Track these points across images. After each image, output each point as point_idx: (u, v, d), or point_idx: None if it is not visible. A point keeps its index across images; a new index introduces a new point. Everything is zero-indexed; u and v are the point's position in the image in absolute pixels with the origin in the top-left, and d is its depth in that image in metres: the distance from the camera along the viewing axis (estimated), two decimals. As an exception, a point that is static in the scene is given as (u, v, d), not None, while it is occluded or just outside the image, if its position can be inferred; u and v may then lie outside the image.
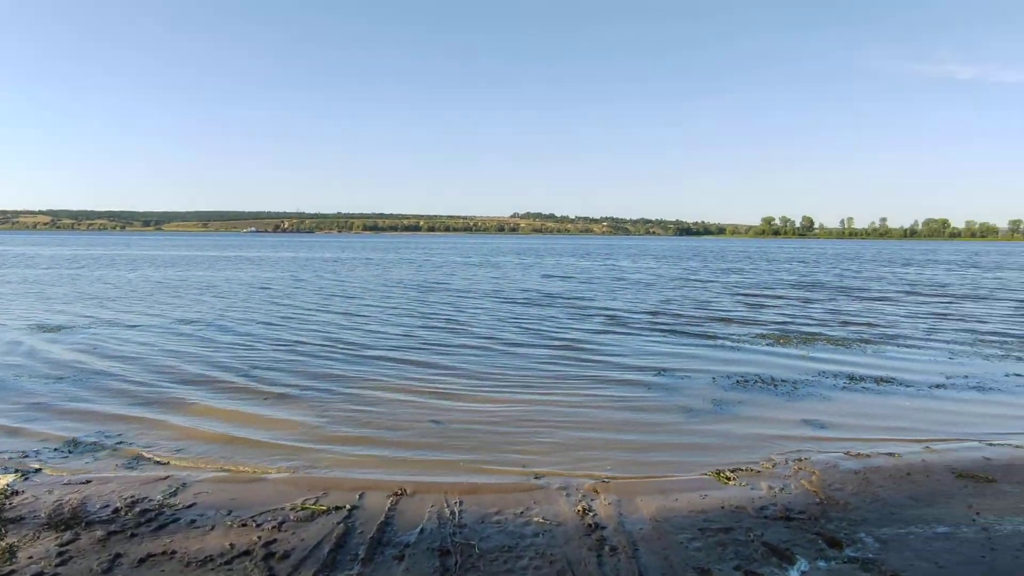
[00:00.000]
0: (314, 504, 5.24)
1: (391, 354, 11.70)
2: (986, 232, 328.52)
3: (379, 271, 37.40)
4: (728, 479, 5.82)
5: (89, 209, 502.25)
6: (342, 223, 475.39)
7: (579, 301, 21.29)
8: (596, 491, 5.61)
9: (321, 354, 11.68)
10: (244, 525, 4.86)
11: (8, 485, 5.60)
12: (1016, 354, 12.31)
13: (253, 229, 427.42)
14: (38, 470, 6.01)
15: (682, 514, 5.13)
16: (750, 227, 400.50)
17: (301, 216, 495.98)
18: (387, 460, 6.43)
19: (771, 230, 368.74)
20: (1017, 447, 6.90)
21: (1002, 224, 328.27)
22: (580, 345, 12.75)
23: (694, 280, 32.26)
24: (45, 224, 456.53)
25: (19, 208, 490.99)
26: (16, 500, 5.29)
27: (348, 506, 5.22)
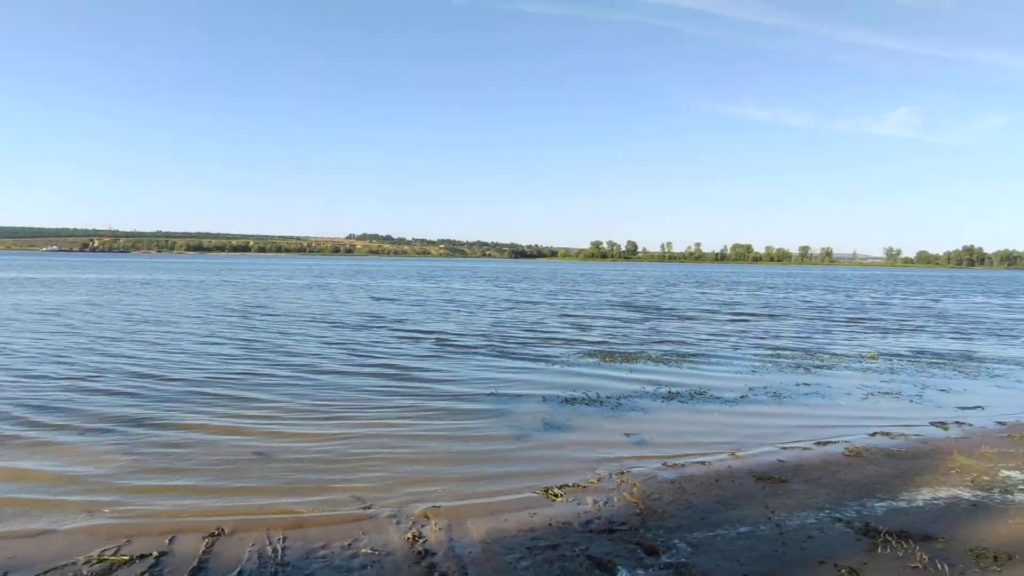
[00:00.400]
0: (114, 555, 4.71)
1: (208, 385, 10.89)
2: (781, 257, 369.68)
3: (199, 294, 34.82)
4: (556, 496, 5.99)
5: None
6: (162, 242, 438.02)
7: (409, 324, 21.12)
8: (427, 517, 5.54)
9: (127, 388, 10.61)
10: (24, 587, 4.27)
11: None
12: (804, 365, 13.88)
13: (54, 248, 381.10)
14: None
15: (511, 534, 5.19)
16: (580, 250, 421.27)
17: (114, 234, 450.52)
18: (203, 499, 5.94)
19: (599, 253, 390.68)
20: (805, 449, 7.74)
21: (794, 250, 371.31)
22: (410, 370, 12.63)
23: (524, 302, 33.24)
24: None
25: None
26: None
27: (155, 553, 4.75)
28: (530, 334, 19.06)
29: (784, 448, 7.78)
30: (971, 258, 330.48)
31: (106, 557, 4.68)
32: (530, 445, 7.84)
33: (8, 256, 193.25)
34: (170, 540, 4.99)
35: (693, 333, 19.97)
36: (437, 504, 5.83)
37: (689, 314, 27.26)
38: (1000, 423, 9.24)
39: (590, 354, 15.04)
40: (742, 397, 10.68)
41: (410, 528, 5.29)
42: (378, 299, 33.79)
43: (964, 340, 19.63)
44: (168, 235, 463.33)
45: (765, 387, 11.51)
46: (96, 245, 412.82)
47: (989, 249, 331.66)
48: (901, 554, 4.72)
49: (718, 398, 10.59)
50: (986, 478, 6.66)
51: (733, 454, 7.53)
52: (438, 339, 17.47)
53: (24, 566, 4.56)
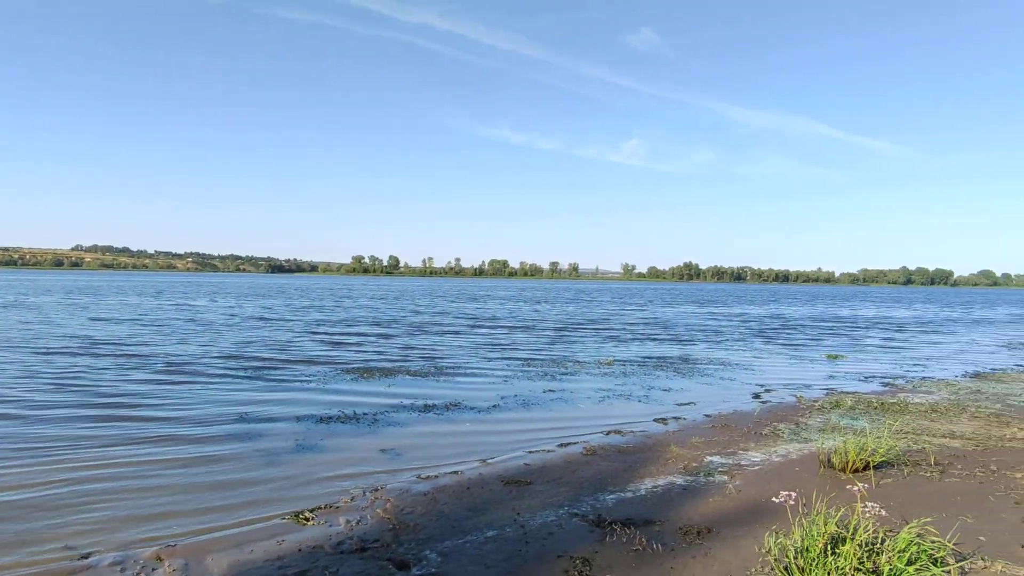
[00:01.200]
0: None
1: None
2: (534, 271, 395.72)
3: None
4: (307, 520, 5.76)
5: None
6: None
7: (141, 347, 19.01)
8: (159, 559, 5.00)
9: None
10: None
11: None
12: (551, 373, 14.97)
13: None
14: None
15: (257, 564, 4.88)
16: (342, 265, 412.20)
17: None
18: None
19: (361, 268, 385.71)
20: (549, 451, 8.32)
21: (545, 265, 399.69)
22: (141, 399, 11.37)
23: (276, 319, 31.69)
24: None
25: None
26: None
27: None
28: (283, 353, 18.17)
29: (531, 452, 8.28)
30: (690, 273, 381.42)
31: None
32: (281, 469, 7.45)
33: None
34: None
35: (449, 347, 20.53)
36: (172, 543, 5.28)
37: (447, 328, 27.98)
38: (707, 415, 10.73)
39: (347, 371, 14.75)
40: (494, 406, 11.18)
41: (138, 573, 4.73)
42: (100, 319, 29.80)
43: (681, 345, 22.57)
44: None
45: (515, 395, 12.18)
46: None
47: (703, 265, 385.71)
48: (625, 540, 5.25)
49: (472, 408, 10.98)
50: (694, 464, 7.69)
51: (484, 461, 7.85)
52: (176, 362, 15.92)
53: None
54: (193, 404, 10.89)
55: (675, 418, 10.53)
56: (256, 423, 9.66)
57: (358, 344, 20.90)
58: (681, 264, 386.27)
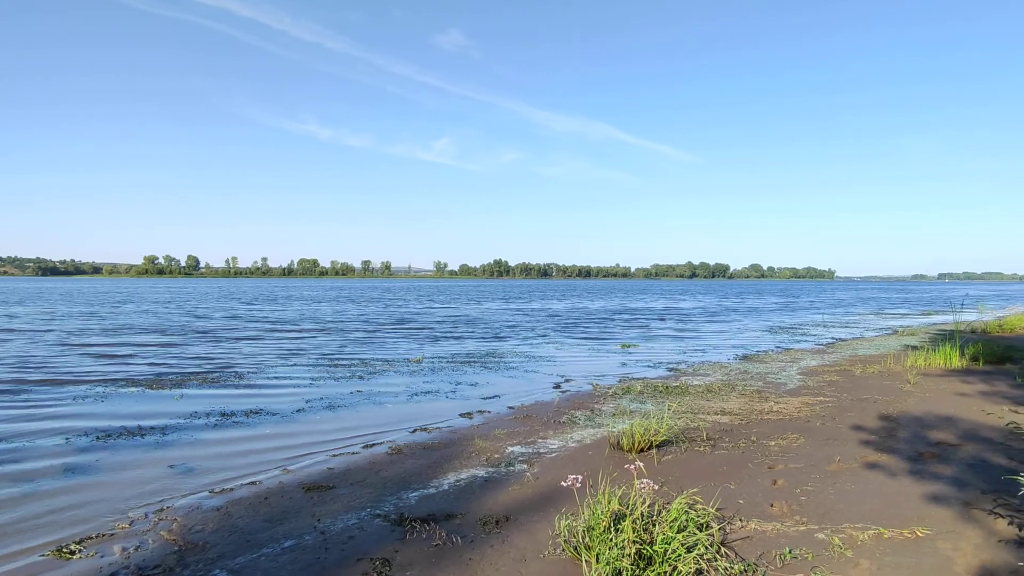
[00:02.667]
0: None
1: None
2: (346, 271, 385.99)
3: None
4: (72, 553, 5.14)
5: None
6: None
7: None
8: None
9: None
10: None
11: None
12: (359, 374, 14.72)
13: None
14: None
15: (9, 610, 4.30)
16: (132, 266, 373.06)
17: None
18: None
19: (155, 269, 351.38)
20: (354, 453, 8.18)
21: (357, 264, 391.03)
22: None
23: (35, 329, 28.09)
24: None
25: None
26: None
27: None
28: (47, 365, 16.13)
29: (334, 456, 8.08)
30: (500, 270, 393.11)
31: None
32: (43, 498, 6.60)
33: None
34: None
35: (249, 353, 19.42)
36: None
37: (245, 333, 26.45)
38: (511, 407, 11.14)
39: (133, 382, 13.42)
40: (298, 411, 10.76)
41: None
42: None
43: (489, 340, 23.23)
44: None
45: (321, 399, 11.81)
46: None
47: (512, 262, 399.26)
48: (425, 536, 5.31)
49: (274, 414, 10.48)
50: (496, 456, 7.96)
51: (285, 469, 7.53)
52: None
53: None
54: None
55: (480, 412, 10.81)
56: (13, 447, 8.47)
57: (142, 354, 19.05)
58: (491, 261, 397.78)
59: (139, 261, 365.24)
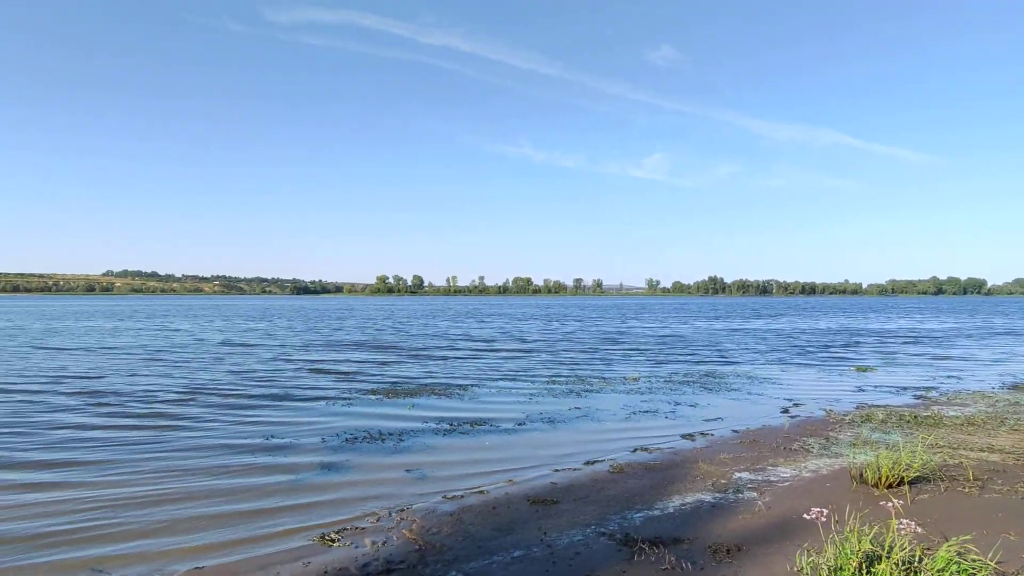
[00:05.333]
0: None
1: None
2: (558, 289, 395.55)
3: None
4: (332, 541, 5.75)
5: None
6: None
7: (165, 371, 19.34)
8: (187, 582, 5.03)
9: None
10: None
11: None
12: (576, 390, 14.88)
13: None
14: None
15: (283, 588, 4.90)
16: (366, 285, 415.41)
17: None
18: None
19: (385, 288, 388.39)
20: (575, 469, 8.25)
21: (569, 282, 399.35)
22: (167, 419, 11.54)
23: (296, 342, 31.93)
24: None
25: None
26: None
27: None
28: (310, 374, 18.33)
29: (557, 471, 8.22)
30: (715, 287, 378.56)
31: None
32: (306, 490, 7.48)
33: None
34: None
35: (473, 366, 20.53)
36: (200, 565, 5.32)
37: (469, 347, 28.00)
38: (735, 431, 10.58)
39: (372, 391, 14.81)
40: (520, 425, 11.13)
41: (165, 597, 4.77)
42: (112, 347, 30.36)
43: (707, 360, 22.34)
44: None
45: (540, 413, 12.12)
46: None
47: (728, 279, 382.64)
48: (654, 559, 5.18)
49: (497, 427, 10.94)
50: (723, 481, 7.57)
51: (510, 480, 7.80)
52: (197, 387, 16.13)
53: None
54: (219, 428, 10.99)
55: (702, 434, 10.40)
56: (280, 445, 9.71)
57: (381, 364, 20.97)
58: (706, 278, 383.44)
59: (372, 281, 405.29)
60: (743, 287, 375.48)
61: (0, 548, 5.76)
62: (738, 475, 7.84)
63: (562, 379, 17.00)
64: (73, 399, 13.63)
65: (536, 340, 31.54)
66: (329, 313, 75.79)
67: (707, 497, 6.96)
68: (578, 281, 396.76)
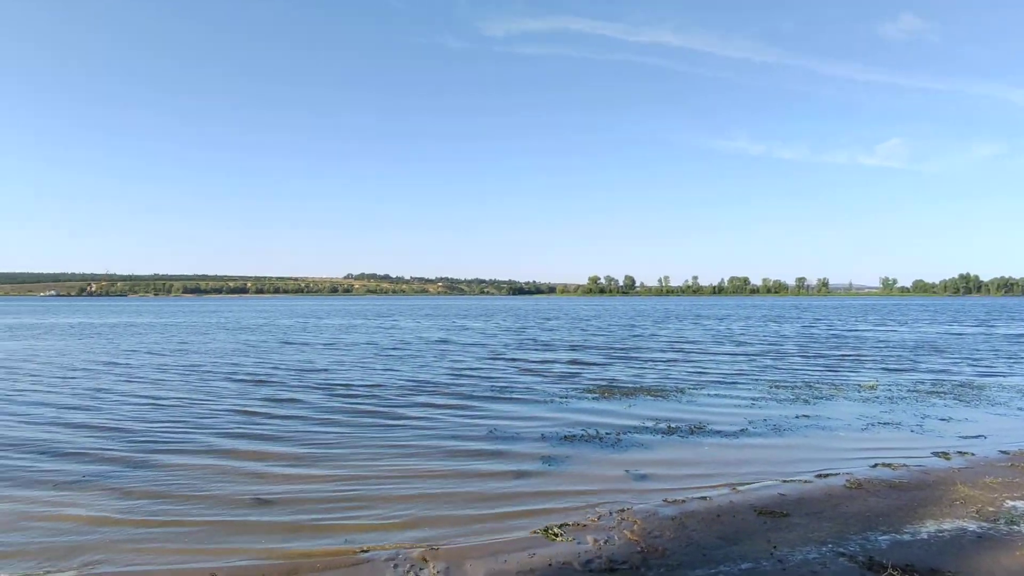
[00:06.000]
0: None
1: (207, 431, 10.81)
2: (778, 288, 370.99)
3: (194, 339, 34.65)
4: (556, 535, 5.90)
5: None
6: (159, 286, 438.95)
7: (399, 365, 21.06)
8: (425, 560, 5.45)
9: (119, 432, 10.52)
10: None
11: None
12: (803, 397, 13.82)
13: (53, 292, 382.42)
14: None
15: (511, 575, 5.11)
16: (579, 286, 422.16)
17: (111, 278, 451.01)
18: (199, 547, 5.85)
19: (597, 288, 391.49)
20: (806, 482, 7.66)
21: (790, 281, 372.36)
22: (403, 412, 12.55)
23: (513, 340, 33.10)
24: None
25: None
26: None
27: (147, 604, 4.66)
28: (527, 372, 18.99)
29: (785, 481, 7.70)
30: (967, 286, 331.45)
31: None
32: (529, 483, 7.75)
33: (3, 301, 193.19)
34: (163, 588, 4.90)
35: (693, 367, 19.92)
36: (435, 546, 5.74)
37: (686, 348, 27.20)
38: (1003, 452, 9.17)
39: (588, 390, 14.98)
40: (742, 430, 10.60)
41: (408, 571, 5.20)
42: (383, 347, 33.67)
43: (962, 368, 19.58)
44: (166, 278, 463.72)
45: (765, 419, 11.44)
46: (93, 289, 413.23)
47: (985, 277, 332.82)
48: (906, 588, 4.64)
49: (718, 432, 10.51)
50: (991, 509, 6.59)
51: (734, 488, 7.45)
52: (431, 380, 17.40)
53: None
54: (448, 420, 11.78)
55: (960, 453, 9.13)
56: (503, 438, 10.17)
57: (592, 365, 21.13)
58: (956, 276, 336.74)
59: (584, 281, 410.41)
60: (1005, 286, 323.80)
61: (274, 509, 6.70)
62: (1011, 503, 6.77)
63: (786, 384, 15.90)
64: (315, 390, 15.41)
65: (754, 342, 29.79)
66: (540, 313, 78.16)
67: (971, 526, 6.10)
68: (801, 280, 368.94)
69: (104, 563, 5.46)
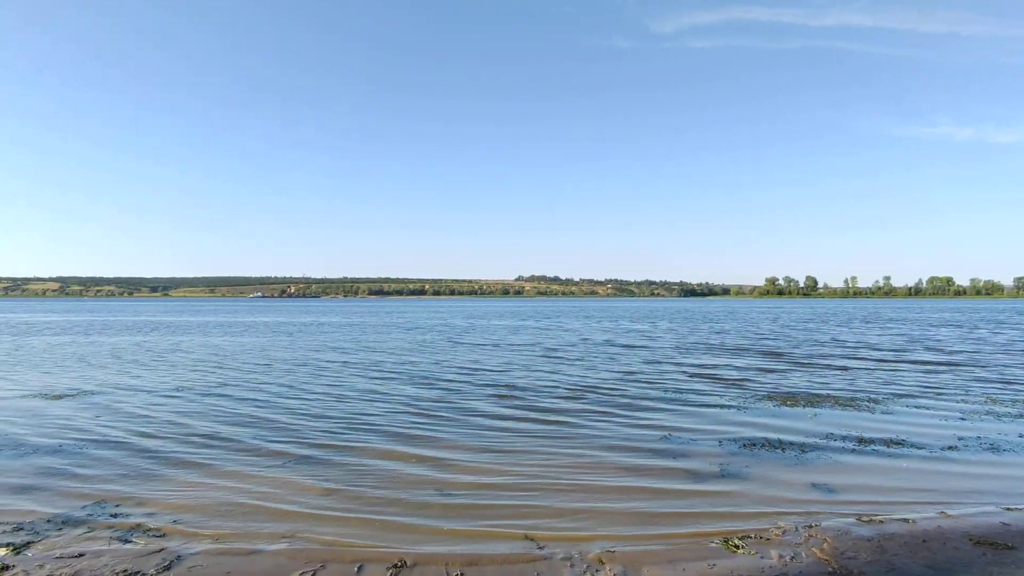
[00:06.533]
0: (310, 577, 5.08)
1: (389, 423, 11.54)
2: (991, 290, 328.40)
3: (373, 337, 37.22)
4: (737, 547, 5.63)
5: (97, 275, 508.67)
6: (348, 287, 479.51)
7: (574, 365, 21.13)
8: (601, 561, 5.43)
9: (326, 422, 11.53)
10: (237, 601, 4.70)
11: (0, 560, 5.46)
12: (1027, 414, 12.10)
13: (259, 294, 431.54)
14: (29, 544, 5.86)
15: (691, 586, 4.95)
16: (755, 288, 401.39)
17: (307, 281, 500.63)
18: (387, 530, 6.27)
19: (775, 290, 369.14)
20: (1035, 511, 6.70)
21: (1007, 282, 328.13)
22: (576, 414, 12.58)
23: (695, 342, 31.99)
24: (54, 291, 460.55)
25: (28, 275, 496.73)
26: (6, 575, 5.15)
27: (345, 579, 5.06)
28: (697, 377, 18.33)
29: (1008, 509, 6.78)
30: None
31: (304, 579, 5.06)
32: (707, 491, 7.47)
33: (222, 301, 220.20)
34: (358, 568, 5.29)
35: (888, 374, 18.17)
36: (612, 549, 5.70)
37: (874, 356, 24.86)
38: None
39: (767, 397, 14.16)
40: (950, 448, 9.49)
41: (584, 572, 5.21)
42: (539, 345, 34.20)
43: None
44: (353, 280, 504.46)
45: (978, 436, 10.17)
46: (292, 291, 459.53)
47: None
48: None
49: (920, 447, 9.50)
50: None
51: (943, 513, 6.69)
52: (599, 383, 17.31)
53: (236, 581, 5.04)
54: (621, 423, 11.66)
55: None
56: (679, 444, 9.88)
57: (768, 371, 19.88)
58: None
59: (761, 283, 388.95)
60: None
61: (453, 503, 7.00)
62: None
63: (1005, 399, 14.00)
64: (483, 390, 15.86)
65: (959, 350, 26.54)
66: (711, 315, 75.16)
67: None
68: (1020, 280, 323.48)
69: (305, 538, 6.01)
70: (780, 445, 9.66)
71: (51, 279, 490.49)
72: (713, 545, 5.74)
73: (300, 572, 5.19)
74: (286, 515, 6.68)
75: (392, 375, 18.21)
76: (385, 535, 6.12)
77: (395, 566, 5.32)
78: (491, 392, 14.97)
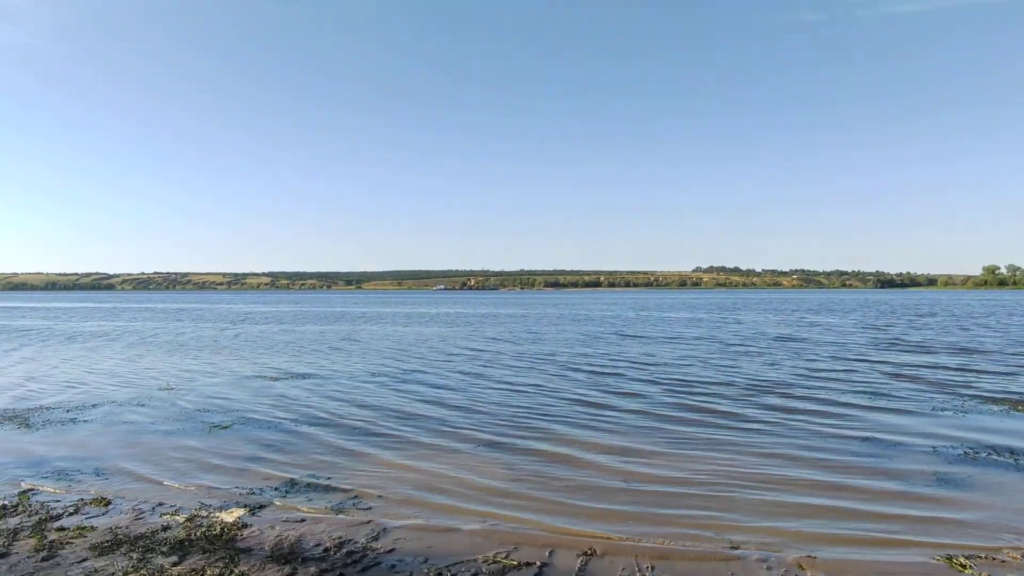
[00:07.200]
0: (505, 558, 5.30)
1: (566, 413, 11.70)
2: None
3: (558, 328, 37.79)
4: (964, 567, 5.07)
5: (302, 271, 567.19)
6: (524, 280, 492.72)
7: (758, 360, 20.06)
8: (801, 567, 5.15)
9: (508, 410, 11.96)
10: (440, 575, 5.02)
11: (240, 519, 6.26)
12: None
13: (442, 287, 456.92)
14: (262, 507, 6.66)
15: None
16: (968, 277, 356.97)
17: (486, 274, 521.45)
18: (575, 516, 6.39)
19: (995, 280, 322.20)
20: None
21: None
22: (762, 411, 11.94)
23: (894, 338, 29.10)
24: (266, 284, 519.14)
25: (246, 271, 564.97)
26: (245, 532, 5.89)
27: (538, 563, 5.22)
28: (897, 376, 16.68)
29: None
30: None
31: (499, 559, 5.29)
32: (920, 501, 6.80)
33: (408, 294, 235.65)
34: (550, 553, 5.44)
35: None
36: (812, 555, 5.38)
37: None
38: None
39: (989, 400, 12.57)
40: None
41: (782, 575, 4.97)
42: (722, 339, 32.89)
43: None
44: (530, 273, 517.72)
45: None
46: (472, 283, 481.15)
47: None
48: None
49: None
50: None
51: None
52: (782, 380, 16.33)
53: (438, 556, 5.39)
54: (815, 419, 10.94)
55: None
56: (883, 447, 9.08)
57: (992, 371, 17.50)
58: None
59: (977, 272, 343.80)
60: None
61: (640, 497, 6.96)
62: None
63: None
64: (659, 385, 15.53)
65: None
66: (912, 308, 67.84)
67: None
68: None
69: (499, 518, 6.28)
70: (1012, 454, 8.54)
71: (264, 274, 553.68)
72: (934, 561, 5.22)
73: (495, 552, 5.43)
74: (478, 496, 7.03)
75: (567, 368, 18.45)
76: (573, 521, 6.23)
77: (585, 554, 5.41)
78: (667, 388, 14.62)
